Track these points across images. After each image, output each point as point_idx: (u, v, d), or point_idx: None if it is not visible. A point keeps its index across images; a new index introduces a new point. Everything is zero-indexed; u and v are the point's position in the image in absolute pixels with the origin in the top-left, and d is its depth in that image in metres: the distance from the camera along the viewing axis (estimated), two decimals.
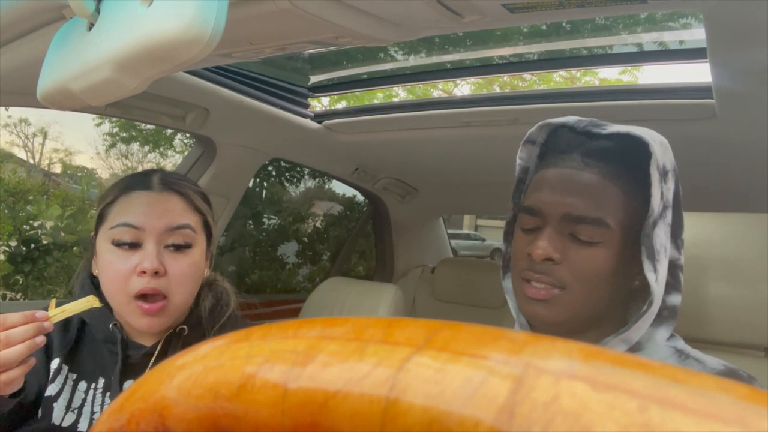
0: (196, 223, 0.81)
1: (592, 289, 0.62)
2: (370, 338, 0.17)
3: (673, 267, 0.65)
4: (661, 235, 0.62)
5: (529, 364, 0.15)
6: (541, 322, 0.64)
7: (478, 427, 0.14)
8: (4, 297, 2.05)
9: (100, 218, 0.81)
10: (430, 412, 0.15)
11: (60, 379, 0.80)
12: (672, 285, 0.65)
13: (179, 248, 0.78)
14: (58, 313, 0.69)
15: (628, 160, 0.64)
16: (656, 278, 0.61)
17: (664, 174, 0.62)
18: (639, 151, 0.63)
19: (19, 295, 2.11)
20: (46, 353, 0.81)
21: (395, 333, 0.17)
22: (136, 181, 0.81)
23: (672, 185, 0.64)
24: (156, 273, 0.75)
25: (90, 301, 0.72)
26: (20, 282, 2.13)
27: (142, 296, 0.76)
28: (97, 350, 0.83)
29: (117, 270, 0.76)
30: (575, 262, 0.62)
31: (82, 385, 0.81)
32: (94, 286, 0.83)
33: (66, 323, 0.81)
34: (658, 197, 0.61)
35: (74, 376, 0.82)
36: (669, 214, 0.63)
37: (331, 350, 0.17)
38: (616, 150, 0.64)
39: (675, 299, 0.65)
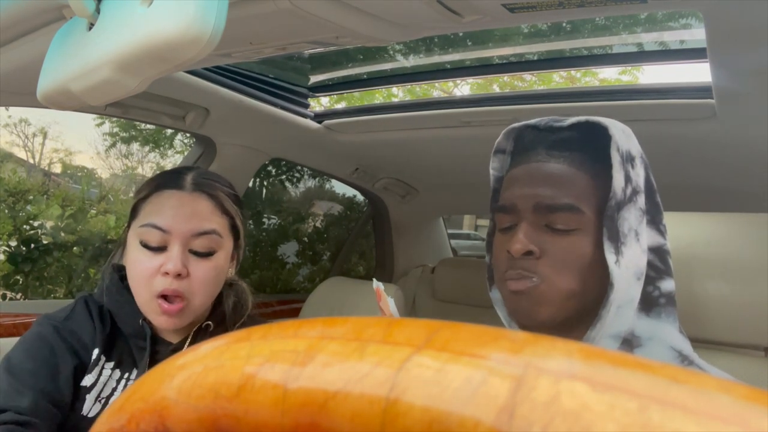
0: (222, 227, 0.83)
1: (575, 279, 0.61)
2: (370, 338, 0.17)
3: (661, 252, 0.64)
4: (631, 219, 0.61)
5: (529, 364, 0.15)
6: (527, 317, 0.62)
7: (478, 427, 0.14)
8: (4, 297, 2.05)
9: (133, 212, 0.83)
10: (430, 413, 0.15)
11: (96, 370, 0.81)
12: (663, 270, 0.64)
13: (202, 255, 0.80)
14: None
15: (592, 147, 0.64)
16: (617, 260, 0.59)
17: (629, 158, 0.63)
18: (601, 137, 0.64)
19: (19, 295, 2.11)
20: (89, 345, 0.81)
21: (395, 333, 0.17)
22: (169, 179, 0.83)
23: (642, 171, 0.64)
24: (179, 275, 0.77)
25: None
26: (20, 282, 2.12)
27: (164, 296, 0.78)
28: (126, 343, 0.84)
29: (143, 268, 0.78)
30: (555, 254, 0.61)
31: (116, 374, 0.82)
32: (120, 278, 0.85)
33: (101, 315, 0.83)
34: (620, 179, 0.61)
35: (111, 364, 0.82)
36: (640, 199, 0.63)
37: (331, 350, 0.17)
38: (578, 139, 0.65)
39: (668, 284, 0.64)
